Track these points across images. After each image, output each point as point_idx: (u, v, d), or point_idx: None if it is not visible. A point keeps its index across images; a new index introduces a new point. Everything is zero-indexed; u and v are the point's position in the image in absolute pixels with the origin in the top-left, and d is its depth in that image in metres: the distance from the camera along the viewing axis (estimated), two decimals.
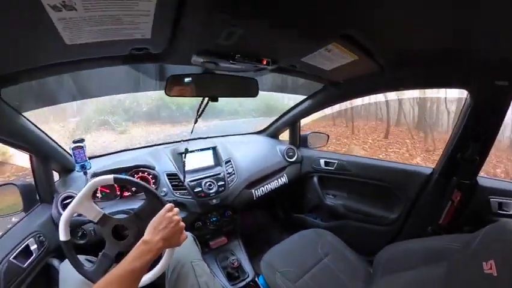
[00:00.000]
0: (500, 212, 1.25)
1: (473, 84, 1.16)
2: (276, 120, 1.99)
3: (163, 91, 1.02)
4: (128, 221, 0.91)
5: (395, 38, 0.90)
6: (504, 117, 1.17)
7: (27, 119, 1.00)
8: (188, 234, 1.20)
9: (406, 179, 1.49)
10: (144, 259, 0.68)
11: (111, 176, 0.90)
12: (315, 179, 1.87)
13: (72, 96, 1.44)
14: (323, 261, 1.30)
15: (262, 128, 2.12)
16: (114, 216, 0.91)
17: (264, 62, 0.93)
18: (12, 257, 0.91)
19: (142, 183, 0.94)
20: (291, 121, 1.91)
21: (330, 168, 1.79)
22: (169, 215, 0.80)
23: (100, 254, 0.88)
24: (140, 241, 0.72)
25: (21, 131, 0.99)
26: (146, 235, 0.75)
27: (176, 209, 0.85)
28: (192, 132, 1.29)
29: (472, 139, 1.22)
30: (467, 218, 1.30)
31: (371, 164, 1.65)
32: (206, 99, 1.09)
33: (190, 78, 1.03)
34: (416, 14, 0.70)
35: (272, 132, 2.04)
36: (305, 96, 1.73)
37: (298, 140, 1.98)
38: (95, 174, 1.23)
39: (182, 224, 0.82)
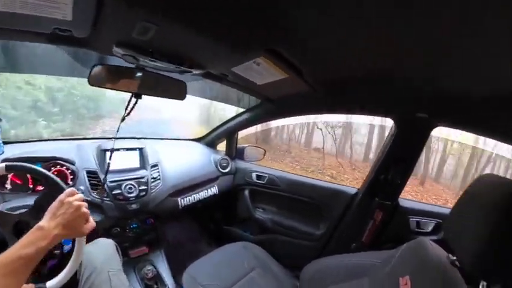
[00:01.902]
0: (418, 230, 1.42)
1: (397, 114, 1.32)
2: (215, 129, 2.03)
3: None
4: (28, 216, 0.85)
5: (324, 61, 0.98)
6: (424, 145, 1.34)
7: None
8: (110, 241, 1.18)
9: (333, 198, 1.60)
10: (37, 245, 0.64)
11: (2, 164, 0.84)
12: (246, 192, 1.92)
13: None
14: (249, 275, 1.33)
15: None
16: (14, 212, 0.86)
17: (186, 65, 0.96)
18: None
19: (39, 168, 0.88)
20: (228, 132, 1.96)
21: (261, 182, 1.85)
22: (69, 199, 0.75)
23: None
24: (34, 227, 0.68)
25: None
26: (42, 221, 0.70)
27: (79, 195, 0.80)
28: (117, 131, 1.25)
29: (394, 163, 1.37)
30: (389, 236, 1.44)
31: (300, 181, 1.75)
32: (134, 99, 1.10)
33: (115, 70, 1.03)
34: (342, 40, 0.77)
35: (210, 141, 2.06)
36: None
37: (235, 152, 2.03)
38: (5, 161, 1.15)
39: (85, 210, 0.77)
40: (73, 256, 0.82)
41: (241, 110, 1.84)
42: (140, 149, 1.53)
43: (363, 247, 1.46)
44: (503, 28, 0.54)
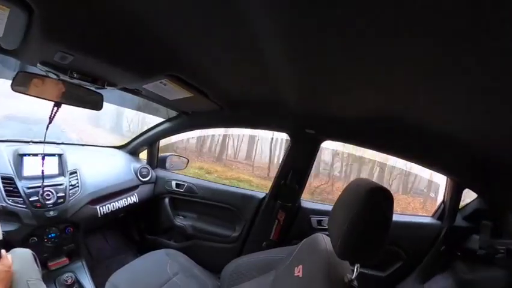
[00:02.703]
0: (319, 227, 1.71)
1: (290, 130, 1.63)
2: (136, 138, 2.10)
3: None
4: None
5: (222, 87, 1.20)
6: (315, 157, 1.66)
7: None
8: (27, 250, 1.15)
9: (245, 202, 1.82)
10: None
11: None
12: (167, 200, 2.02)
13: None
14: (172, 280, 1.40)
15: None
16: None
17: (99, 83, 1.12)
18: None
19: None
20: (149, 141, 2.05)
21: (180, 190, 1.99)
22: None
23: None
24: None
25: None
26: None
27: None
28: (44, 139, 1.31)
29: (292, 171, 1.65)
30: (295, 233, 1.70)
31: (215, 188, 1.95)
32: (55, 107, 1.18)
33: (39, 79, 1.09)
34: (227, 72, 0.98)
35: (132, 149, 2.13)
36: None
37: (156, 161, 2.12)
38: None
39: None
40: None
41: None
42: (60, 155, 1.54)
43: (272, 244, 1.69)
44: (364, 67, 0.72)
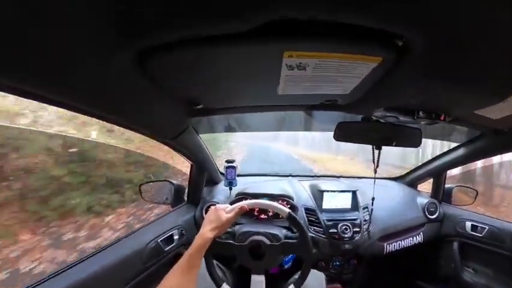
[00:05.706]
0: None
1: None
2: (418, 168, 1.90)
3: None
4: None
5: None
6: None
7: (201, 139, 1.34)
8: (322, 274, 1.30)
9: None
10: (193, 245, 0.82)
11: (287, 210, 1.01)
12: (455, 245, 1.68)
13: (234, 128, 1.76)
14: None
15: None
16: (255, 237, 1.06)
17: (442, 118, 0.94)
18: (160, 239, 1.20)
19: (306, 232, 1.01)
20: (436, 171, 1.77)
21: (477, 234, 1.56)
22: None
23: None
24: None
25: (196, 147, 1.33)
26: None
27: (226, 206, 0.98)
28: (374, 181, 1.40)
29: None
30: None
31: None
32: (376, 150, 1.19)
33: (356, 126, 1.14)
34: None
35: (411, 181, 1.95)
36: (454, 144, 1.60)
37: (442, 194, 1.82)
38: (240, 193, 1.47)
39: (219, 205, 0.96)
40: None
41: None
42: (354, 192, 1.62)
43: None
44: None
